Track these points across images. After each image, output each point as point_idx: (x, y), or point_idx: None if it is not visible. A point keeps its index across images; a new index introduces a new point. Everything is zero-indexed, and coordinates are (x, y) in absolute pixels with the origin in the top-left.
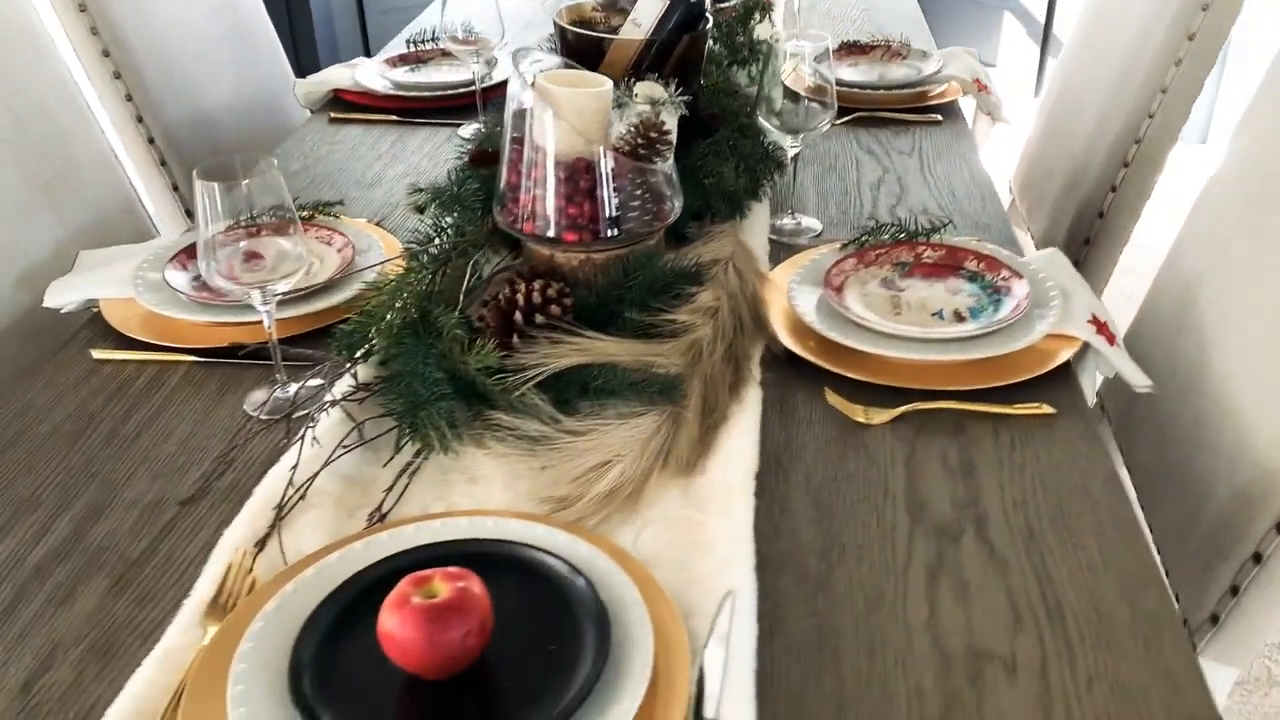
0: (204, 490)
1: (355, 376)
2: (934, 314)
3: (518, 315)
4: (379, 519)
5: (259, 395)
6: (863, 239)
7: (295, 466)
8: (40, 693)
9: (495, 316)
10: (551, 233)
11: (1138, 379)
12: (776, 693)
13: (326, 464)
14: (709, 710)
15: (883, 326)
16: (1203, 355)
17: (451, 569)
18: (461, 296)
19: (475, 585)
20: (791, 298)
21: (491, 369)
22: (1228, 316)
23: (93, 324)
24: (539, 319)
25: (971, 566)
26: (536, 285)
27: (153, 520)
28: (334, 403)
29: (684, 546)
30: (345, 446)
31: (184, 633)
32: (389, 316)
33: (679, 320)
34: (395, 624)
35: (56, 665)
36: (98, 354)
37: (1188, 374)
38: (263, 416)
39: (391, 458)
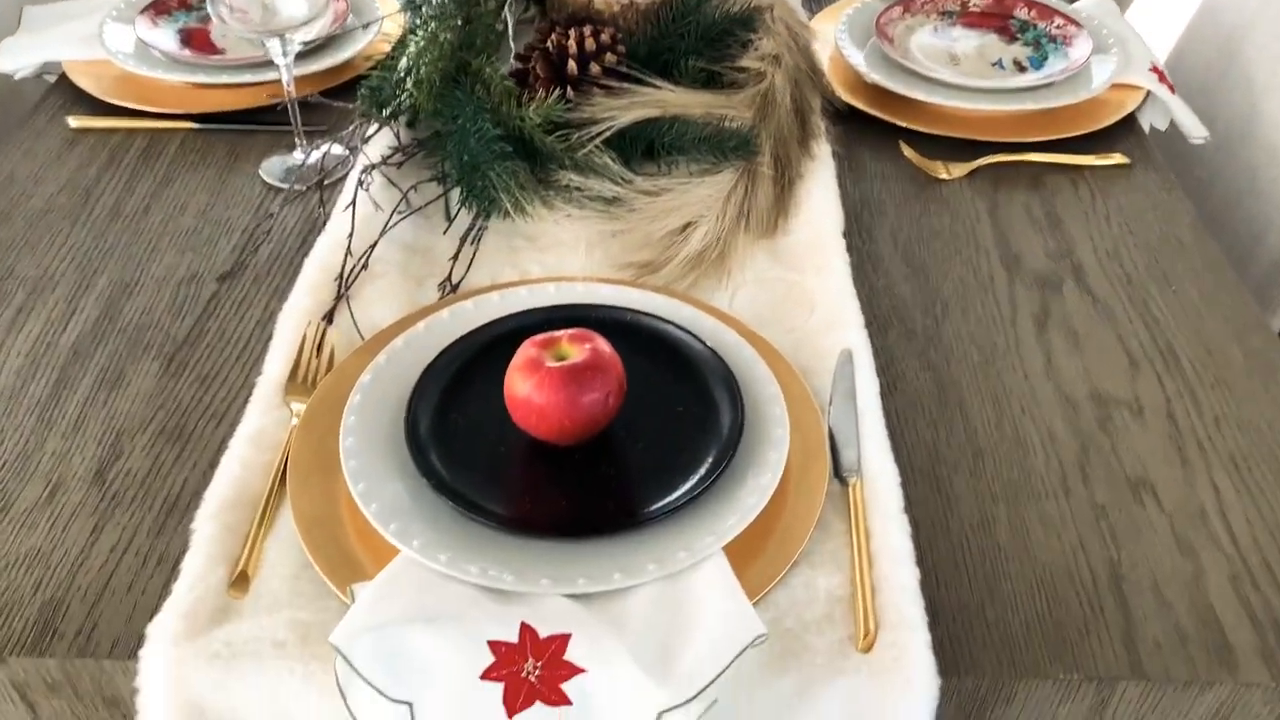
0: (241, 264)
1: (398, 135)
2: (993, 64)
3: (571, 65)
4: (452, 289)
5: (275, 162)
6: None
7: (352, 234)
8: (118, 480)
9: (545, 67)
10: None
11: (1196, 129)
12: (909, 445)
13: (385, 231)
14: (847, 464)
15: (950, 77)
16: (1253, 104)
17: (574, 330)
18: (511, 43)
19: (604, 345)
20: (842, 50)
21: (552, 124)
22: None
23: (60, 90)
24: (593, 69)
25: (1078, 316)
26: (586, 31)
27: (193, 297)
28: (376, 165)
29: (783, 308)
30: (400, 212)
31: (268, 411)
32: (422, 69)
33: (746, 69)
34: (531, 388)
35: (127, 452)
36: (76, 122)
37: (1235, 124)
38: (295, 186)
39: (450, 223)
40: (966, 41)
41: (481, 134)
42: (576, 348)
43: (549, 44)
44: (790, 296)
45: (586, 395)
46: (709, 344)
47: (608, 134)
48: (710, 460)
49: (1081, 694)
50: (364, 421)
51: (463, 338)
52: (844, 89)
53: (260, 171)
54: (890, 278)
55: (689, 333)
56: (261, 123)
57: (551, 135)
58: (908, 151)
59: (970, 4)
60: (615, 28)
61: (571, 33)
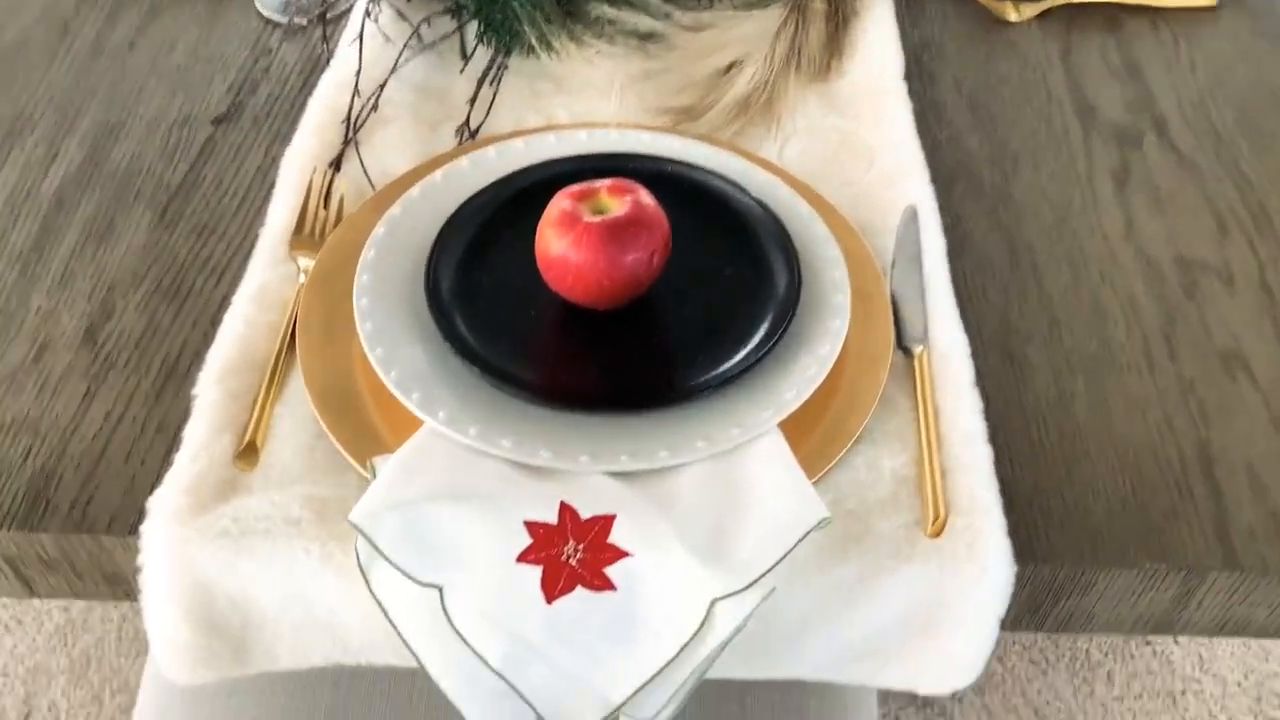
0: (238, 106)
1: None
2: None
3: None
4: (470, 135)
5: None
6: None
7: (359, 71)
8: (110, 341)
9: None
10: None
11: None
12: (979, 313)
13: (395, 68)
14: (912, 333)
15: None
16: None
17: (613, 181)
18: None
19: (647, 198)
20: None
21: None
22: None
23: None
24: None
25: (1161, 173)
26: None
27: (185, 141)
28: None
29: (839, 160)
30: (412, 48)
31: (273, 266)
32: None
33: None
34: (567, 246)
35: (120, 310)
36: None
37: None
38: (295, 20)
39: (467, 62)
40: None
41: None
42: (617, 200)
43: None
44: (846, 147)
45: (629, 253)
46: (760, 199)
47: None
48: (764, 328)
49: (1166, 584)
50: (379, 279)
51: (486, 189)
52: None
53: (256, 4)
54: (955, 128)
55: (738, 186)
56: None
57: None
58: None
59: None
60: None
61: None
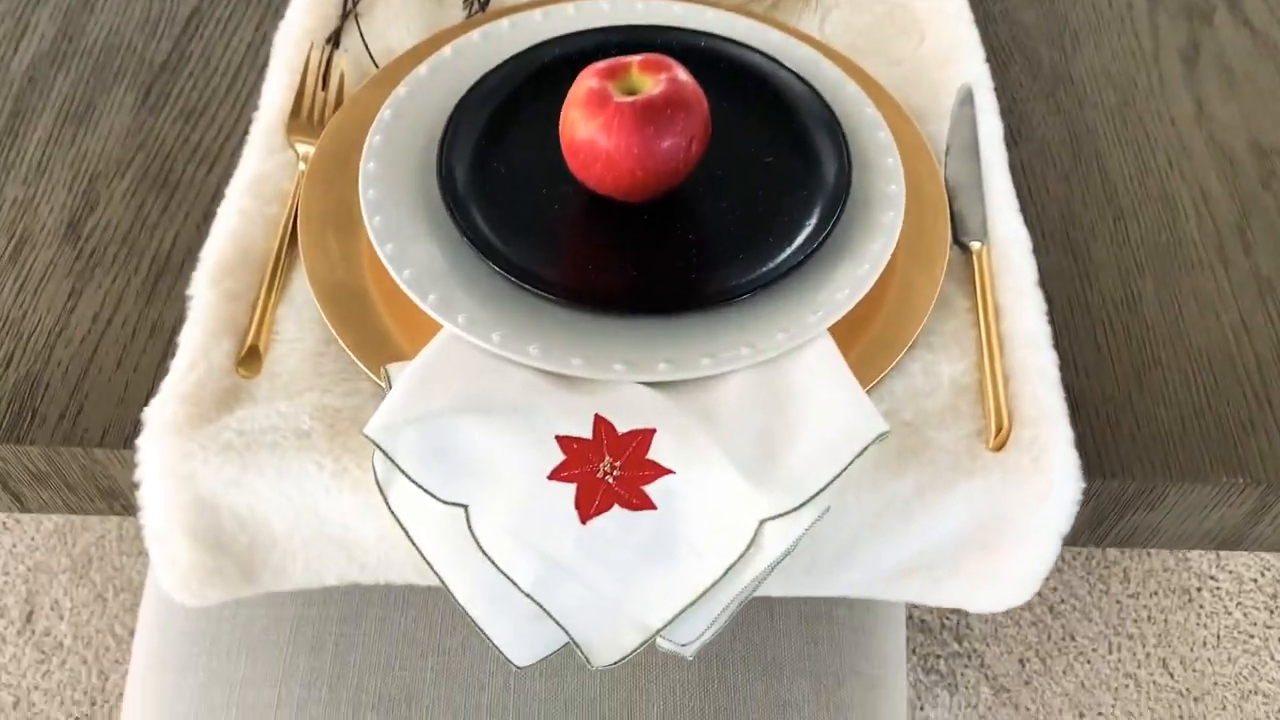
0: None
1: None
2: None
3: None
4: (480, 6)
5: None
6: None
7: None
8: (95, 235)
9: None
10: None
11: None
12: (1039, 205)
13: None
14: (970, 227)
15: None
16: None
17: (646, 56)
18: None
19: (684, 75)
20: None
21: None
22: None
23: None
24: None
25: (1234, 52)
26: None
27: (169, 14)
28: None
29: (885, 34)
30: None
31: (269, 154)
32: None
33: None
34: (596, 130)
35: (104, 201)
36: None
37: None
38: None
39: None
40: None
41: None
42: (650, 78)
43: None
44: (893, 21)
45: (665, 138)
46: (804, 78)
47: None
48: (812, 223)
49: (1242, 499)
50: (387, 168)
51: (501, 66)
52: None
53: None
54: (1008, 1)
55: (780, 64)
56: None
57: None
58: None
59: None
60: None
61: None
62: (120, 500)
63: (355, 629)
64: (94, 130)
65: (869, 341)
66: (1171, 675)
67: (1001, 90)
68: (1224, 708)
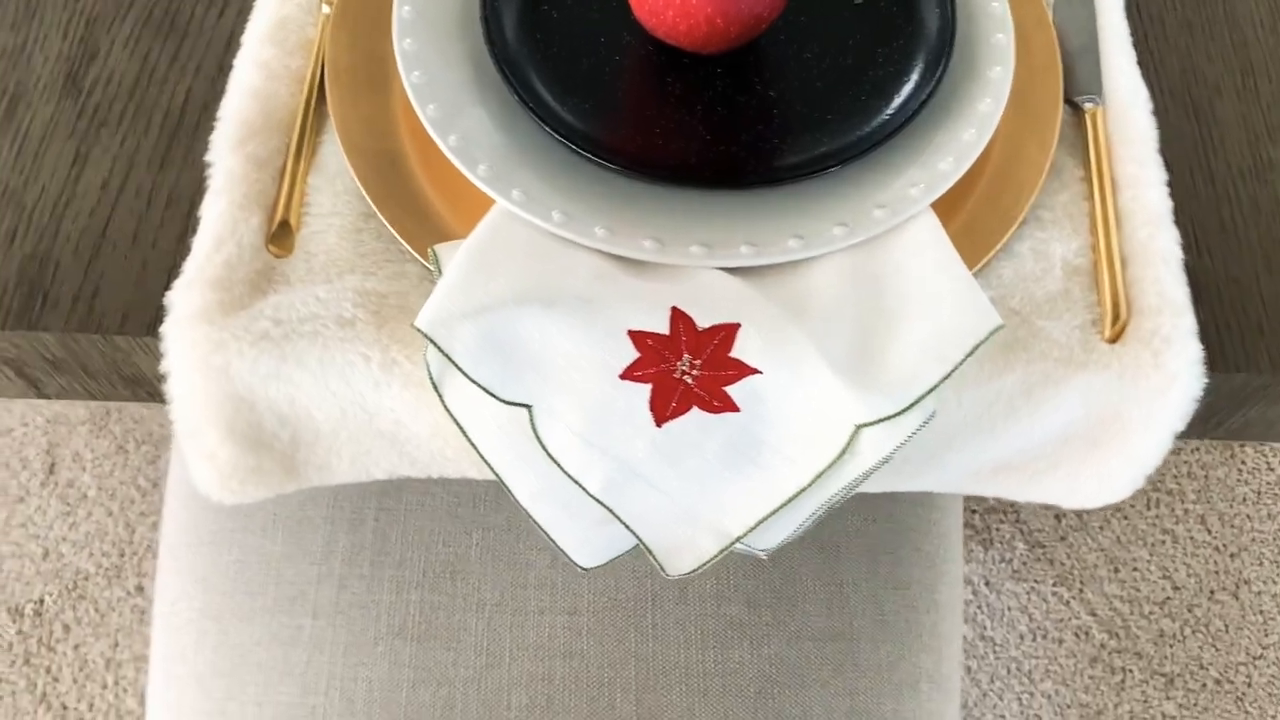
0: None
1: None
2: None
3: None
4: None
5: None
6: None
7: None
8: (98, 89)
9: None
10: None
11: None
12: (1157, 59)
13: None
14: (1082, 84)
15: None
16: None
17: None
18: None
19: None
20: None
21: None
22: None
23: None
24: None
25: None
26: None
27: None
28: None
29: None
30: None
31: None
32: None
33: None
34: None
35: (105, 49)
36: None
37: None
38: None
39: None
40: None
41: None
42: None
43: None
44: None
45: None
46: None
47: None
48: (911, 80)
49: None
50: (425, 13)
51: None
52: None
53: None
54: None
55: None
56: None
57: None
58: None
59: None
60: None
61: None
62: (146, 387)
63: (396, 504)
64: None
65: (970, 217)
66: (1209, 530)
67: None
68: (1260, 563)
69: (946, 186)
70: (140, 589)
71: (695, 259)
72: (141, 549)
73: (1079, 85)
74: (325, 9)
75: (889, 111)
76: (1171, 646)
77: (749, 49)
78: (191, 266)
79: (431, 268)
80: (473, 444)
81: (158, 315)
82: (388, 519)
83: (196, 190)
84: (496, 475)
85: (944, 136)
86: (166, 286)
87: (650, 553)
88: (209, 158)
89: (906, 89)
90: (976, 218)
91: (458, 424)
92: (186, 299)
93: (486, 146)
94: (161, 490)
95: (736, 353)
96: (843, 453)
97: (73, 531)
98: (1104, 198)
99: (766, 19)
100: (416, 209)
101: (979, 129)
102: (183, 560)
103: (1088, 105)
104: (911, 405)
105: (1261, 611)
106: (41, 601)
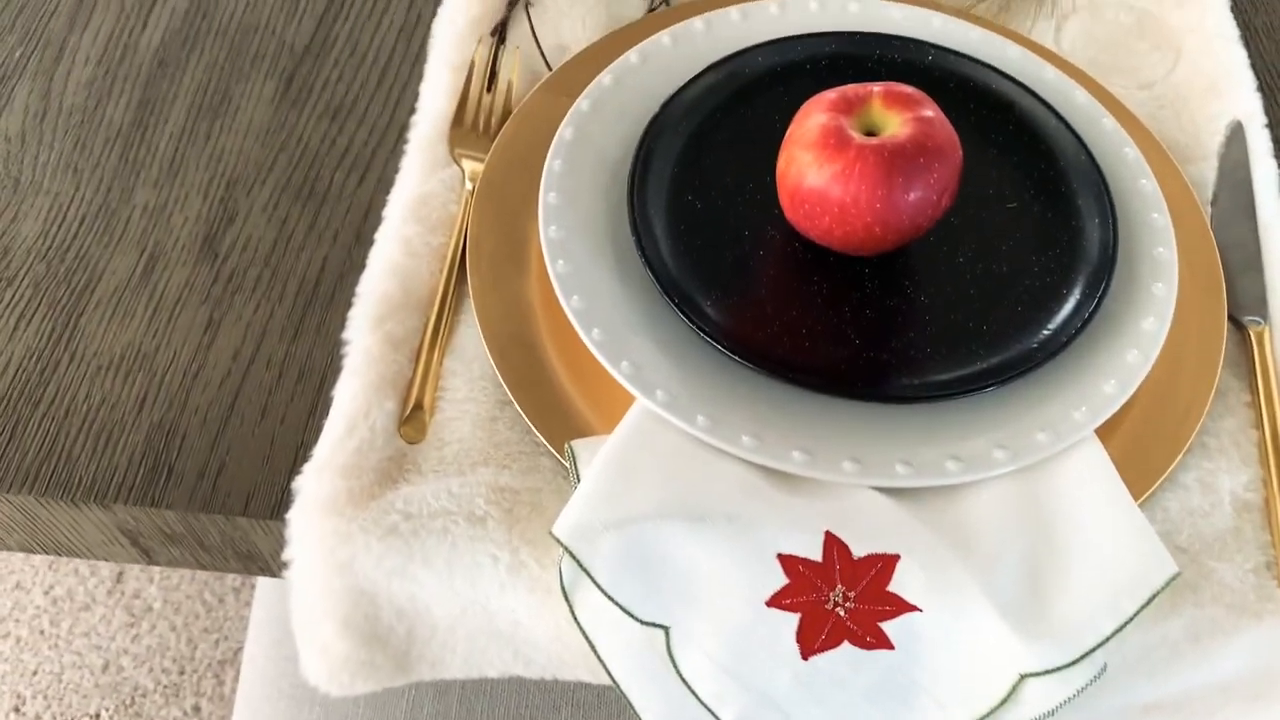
0: None
1: None
2: None
3: None
4: (663, 1)
5: None
6: None
7: None
8: (234, 253)
9: None
10: None
11: None
12: None
13: None
14: (1246, 300)
15: None
16: None
17: (890, 88)
18: None
19: (936, 113)
20: None
21: None
22: None
23: None
24: None
25: None
26: None
27: None
28: None
29: (1133, 50)
30: None
31: (433, 170)
32: None
33: None
34: (831, 177)
35: (243, 212)
36: None
37: None
38: None
39: None
40: None
41: None
42: (896, 115)
43: None
44: (1141, 33)
45: (913, 191)
46: (1054, 108)
47: None
48: (1072, 294)
49: None
50: (571, 200)
51: (696, 79)
52: None
53: None
54: (1275, 14)
55: (1028, 90)
56: None
57: None
58: None
59: None
60: None
61: None
62: (259, 563)
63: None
64: (230, 125)
65: (1129, 441)
66: None
67: (1274, 125)
68: None
69: (1111, 411)
70: (197, 709)
71: (847, 475)
72: (202, 667)
73: (1243, 303)
74: (468, 184)
75: (1049, 328)
76: None
77: (903, 252)
78: (322, 451)
79: (567, 465)
80: (601, 660)
81: (282, 498)
82: (474, 689)
83: (328, 364)
84: (622, 692)
85: (1106, 356)
86: (293, 466)
87: None
88: (346, 335)
89: (1067, 306)
90: (1136, 443)
91: (586, 637)
92: (316, 486)
93: (631, 342)
94: (227, 607)
95: (895, 586)
96: (1003, 701)
97: (135, 644)
98: (1274, 426)
99: (925, 228)
100: (553, 400)
101: (1142, 350)
102: (261, 713)
103: (1253, 325)
104: (1083, 657)
105: None
106: (97, 716)
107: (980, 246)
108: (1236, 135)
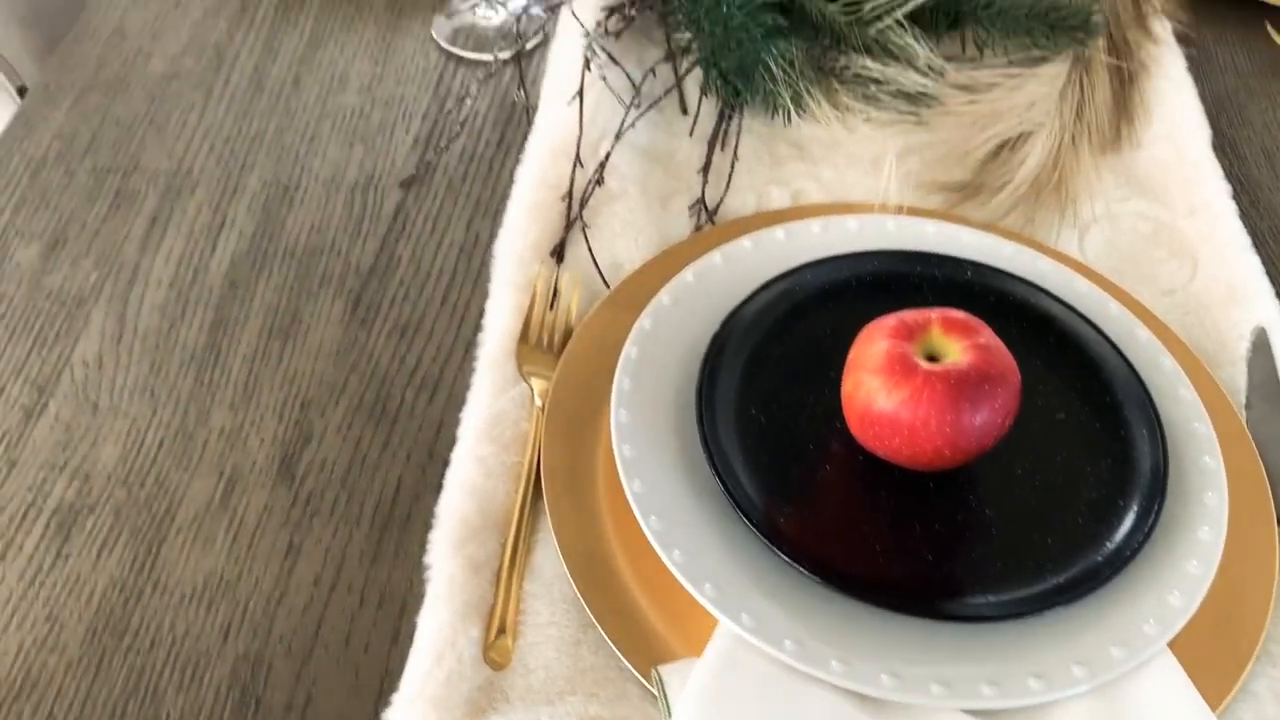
0: (427, 164)
1: None
2: None
3: None
4: (709, 217)
5: (449, 20)
6: None
7: (581, 136)
8: (311, 475)
9: None
10: None
11: None
12: None
13: (621, 134)
14: None
15: None
16: None
17: (948, 315)
18: None
19: (993, 339)
20: None
21: None
22: None
23: None
24: None
25: None
26: None
27: (373, 210)
28: (599, 36)
29: (1152, 257)
30: (637, 106)
31: (502, 389)
32: None
33: None
34: (901, 403)
35: (318, 433)
36: None
37: None
38: (498, 55)
39: (695, 123)
40: None
41: (742, 2)
42: (956, 342)
43: None
44: (1159, 242)
45: (980, 414)
46: (1092, 321)
47: (919, 2)
48: (1130, 509)
49: None
50: (641, 416)
51: (753, 298)
52: None
53: (434, 33)
54: (1278, 219)
55: (1070, 308)
56: None
57: (833, 3)
58: (1278, 38)
59: None
60: None
61: None
62: None
63: None
64: (302, 346)
65: (1195, 651)
66: None
67: None
68: None
69: (1181, 623)
70: None
71: (936, 698)
72: None
73: None
74: (537, 401)
75: (1112, 541)
76: None
77: (966, 469)
78: (411, 682)
79: (655, 691)
80: None
81: None
82: None
83: (408, 589)
84: None
85: (1167, 567)
86: (379, 696)
87: None
88: (428, 559)
89: (1127, 519)
90: (1203, 653)
91: None
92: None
93: (711, 562)
94: None
95: None
96: None
97: None
98: None
99: (989, 447)
100: (636, 622)
101: (1202, 560)
102: None
103: None
104: None
105: None
106: None
107: (1035, 458)
108: (1261, 341)
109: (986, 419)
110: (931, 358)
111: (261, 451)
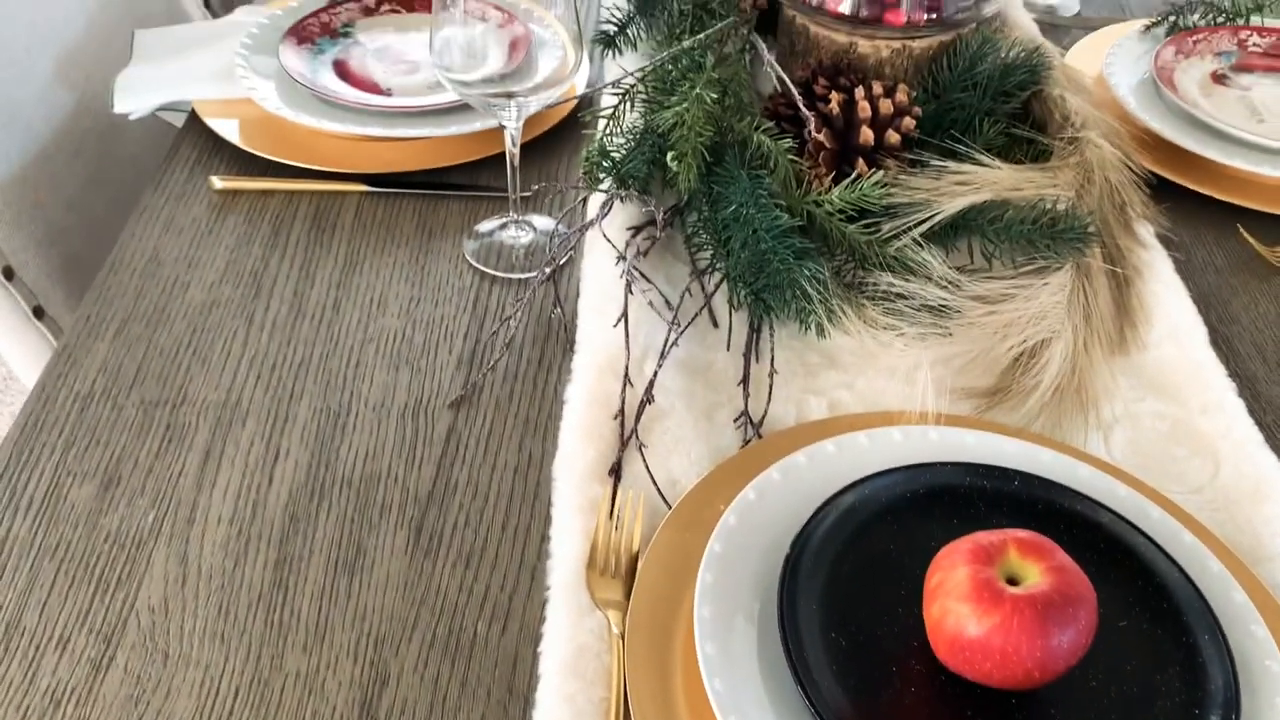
0: (473, 385)
1: (660, 214)
2: None
3: (864, 133)
4: (755, 431)
5: (479, 241)
6: (1171, 19)
7: (629, 356)
8: (392, 719)
9: (830, 137)
10: (865, 11)
11: None
12: None
13: (665, 353)
14: None
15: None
16: None
17: (1022, 537)
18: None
19: (1067, 560)
20: (1124, 103)
21: (852, 210)
22: None
23: (192, 138)
24: (890, 137)
25: None
26: (878, 90)
27: (425, 434)
28: (632, 256)
29: (1174, 456)
30: (678, 325)
31: (579, 619)
32: (687, 138)
33: (1060, 136)
34: (991, 629)
35: (395, 675)
36: (221, 183)
37: None
38: (541, 273)
39: (729, 338)
40: (1262, 90)
41: (774, 225)
42: (1034, 564)
43: (829, 104)
44: (1178, 440)
45: (1064, 637)
46: (1139, 526)
47: (934, 223)
48: (1213, 714)
49: None
50: (725, 647)
51: (817, 517)
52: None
53: (466, 254)
54: (1278, 411)
55: (1106, 509)
56: (447, 186)
57: (853, 224)
58: (1251, 239)
59: (1249, 43)
60: (877, 79)
61: (858, 91)
62: None
63: None
64: (369, 581)
65: None
66: None
67: None
68: None
69: None
70: None
71: None
72: None
73: None
74: (614, 630)
75: None
76: None
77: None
78: None
79: None
80: None
81: None
82: None
83: None
84: None
85: None
86: None
87: None
88: None
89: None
90: None
91: None
92: None
93: None
94: None
95: None
96: None
97: None
98: None
99: (1073, 665)
100: None
101: None
102: None
103: None
104: None
105: None
106: None
107: (1105, 669)
108: None
109: (1073, 639)
110: (1012, 580)
111: (340, 695)
